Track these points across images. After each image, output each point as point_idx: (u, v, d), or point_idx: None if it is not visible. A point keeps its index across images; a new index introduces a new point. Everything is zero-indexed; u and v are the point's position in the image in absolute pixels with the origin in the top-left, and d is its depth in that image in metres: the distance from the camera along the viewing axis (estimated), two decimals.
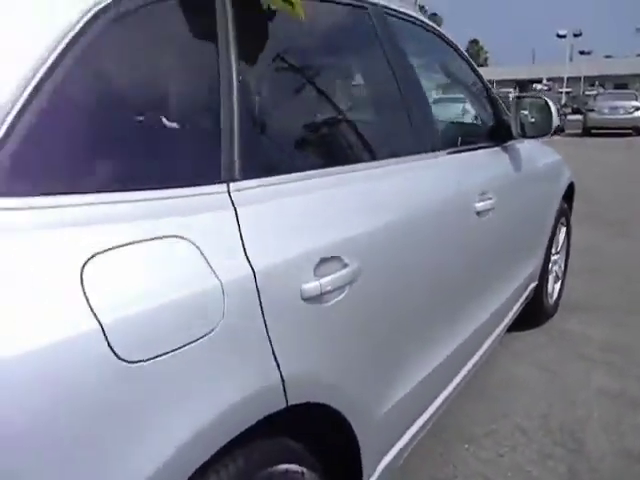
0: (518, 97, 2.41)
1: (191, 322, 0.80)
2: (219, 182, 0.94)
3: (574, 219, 3.29)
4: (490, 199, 1.82)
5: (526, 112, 2.42)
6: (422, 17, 1.98)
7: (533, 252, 2.63)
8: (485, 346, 2.03)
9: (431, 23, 2.05)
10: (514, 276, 2.35)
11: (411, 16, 1.84)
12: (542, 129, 2.32)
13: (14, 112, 0.71)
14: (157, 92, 0.97)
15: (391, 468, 1.37)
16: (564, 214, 3.03)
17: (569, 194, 3.07)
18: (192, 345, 0.79)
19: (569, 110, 25.28)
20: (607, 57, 55.73)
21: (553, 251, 2.96)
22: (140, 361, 0.72)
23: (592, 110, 17.41)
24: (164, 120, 0.92)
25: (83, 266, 0.70)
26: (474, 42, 69.32)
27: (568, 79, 37.73)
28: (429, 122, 1.74)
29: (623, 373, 2.51)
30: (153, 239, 0.80)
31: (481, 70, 2.41)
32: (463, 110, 3.45)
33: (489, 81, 2.47)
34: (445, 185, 1.65)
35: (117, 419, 0.71)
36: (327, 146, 1.36)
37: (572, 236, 3.30)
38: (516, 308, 2.45)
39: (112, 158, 0.85)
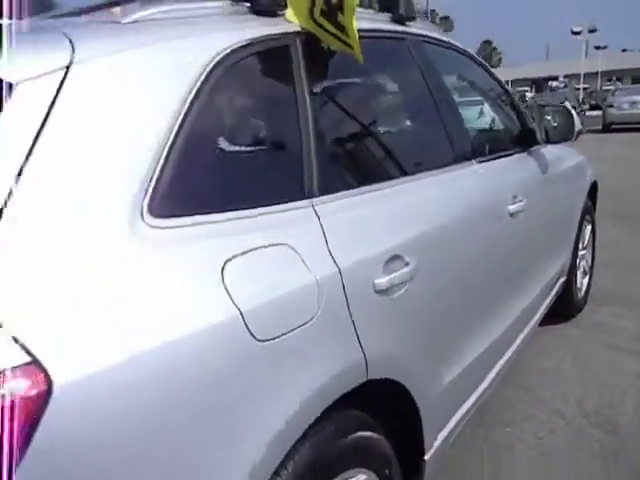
0: (541, 106, 2.60)
1: (299, 309, 1.02)
2: (305, 198, 1.17)
3: (598, 216, 3.44)
4: (521, 201, 2.01)
5: (549, 118, 2.60)
6: (451, 40, 2.18)
7: (561, 248, 2.80)
8: (522, 336, 2.21)
9: (458, 44, 2.25)
10: (545, 272, 2.52)
11: (441, 40, 2.05)
12: (565, 134, 2.51)
13: (164, 155, 0.93)
14: (263, 132, 1.20)
15: (447, 441, 1.56)
16: (589, 212, 3.19)
17: (592, 192, 3.24)
18: (300, 329, 1.00)
19: (587, 107, 25.03)
20: (623, 51, 55.17)
21: (580, 247, 3.12)
22: (267, 340, 0.94)
23: (611, 106, 17.34)
24: (268, 152, 1.15)
25: (223, 266, 0.93)
26: (487, 43, 69.13)
27: (585, 75, 37.45)
28: (466, 135, 1.95)
29: None
30: (267, 246, 1.02)
31: (495, 71, 2.59)
32: (480, 112, 3.64)
33: (504, 82, 2.64)
34: (483, 190, 1.84)
35: (254, 384, 0.92)
36: (383, 164, 1.59)
37: (596, 232, 3.44)
38: (548, 302, 2.62)
39: (239, 184, 1.09)
